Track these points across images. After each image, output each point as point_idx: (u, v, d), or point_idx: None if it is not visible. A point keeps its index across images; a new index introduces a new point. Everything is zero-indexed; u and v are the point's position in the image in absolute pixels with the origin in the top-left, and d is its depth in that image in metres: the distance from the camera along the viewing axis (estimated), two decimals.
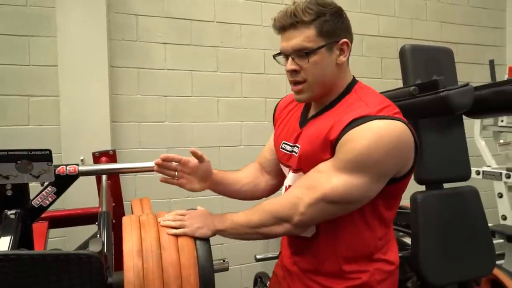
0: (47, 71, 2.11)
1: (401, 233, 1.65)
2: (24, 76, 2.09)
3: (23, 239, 1.03)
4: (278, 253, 1.26)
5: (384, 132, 0.88)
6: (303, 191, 0.93)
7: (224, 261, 1.11)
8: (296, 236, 1.06)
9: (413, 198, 1.33)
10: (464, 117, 1.44)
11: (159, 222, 0.98)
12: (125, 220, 1.00)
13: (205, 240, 0.96)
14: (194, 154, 1.07)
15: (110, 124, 2.17)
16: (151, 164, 1.33)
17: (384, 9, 2.95)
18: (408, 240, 1.61)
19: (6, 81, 2.06)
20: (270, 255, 2.07)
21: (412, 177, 1.08)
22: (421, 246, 1.28)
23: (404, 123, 0.91)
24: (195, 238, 0.95)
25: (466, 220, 1.36)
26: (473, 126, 2.58)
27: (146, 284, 0.86)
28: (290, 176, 1.07)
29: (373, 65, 2.91)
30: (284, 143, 1.09)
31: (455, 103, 1.15)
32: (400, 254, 1.08)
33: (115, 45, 2.25)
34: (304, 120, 1.06)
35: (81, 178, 1.63)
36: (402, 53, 1.39)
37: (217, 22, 2.47)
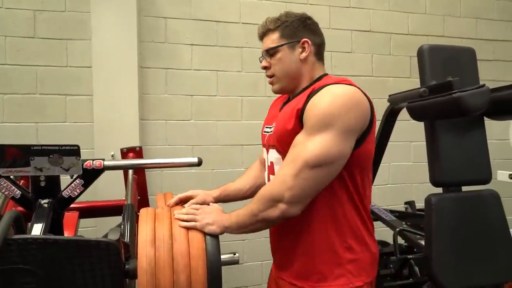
0: (83, 72, 2.25)
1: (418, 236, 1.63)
2: (62, 76, 2.24)
3: (54, 226, 1.11)
4: None
5: (339, 92, 1.01)
6: (287, 167, 1.00)
7: (234, 254, 1.16)
8: None
9: (427, 200, 1.32)
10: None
11: (173, 215, 1.04)
12: (142, 212, 1.07)
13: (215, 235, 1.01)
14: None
15: (139, 122, 2.27)
16: (171, 160, 1.42)
17: (414, 6, 2.88)
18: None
19: (46, 82, 2.23)
20: None
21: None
22: (433, 248, 1.26)
23: (359, 89, 1.03)
24: (204, 232, 1.01)
25: (484, 224, 1.33)
26: (507, 128, 2.46)
27: (157, 272, 0.92)
28: (268, 154, 1.17)
29: (401, 64, 2.85)
30: (266, 127, 1.22)
31: (468, 105, 1.12)
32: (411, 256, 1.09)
33: (145, 46, 2.36)
34: (282, 107, 1.20)
35: (111, 174, 1.75)
36: (420, 53, 1.37)
37: (242, 23, 2.53)
